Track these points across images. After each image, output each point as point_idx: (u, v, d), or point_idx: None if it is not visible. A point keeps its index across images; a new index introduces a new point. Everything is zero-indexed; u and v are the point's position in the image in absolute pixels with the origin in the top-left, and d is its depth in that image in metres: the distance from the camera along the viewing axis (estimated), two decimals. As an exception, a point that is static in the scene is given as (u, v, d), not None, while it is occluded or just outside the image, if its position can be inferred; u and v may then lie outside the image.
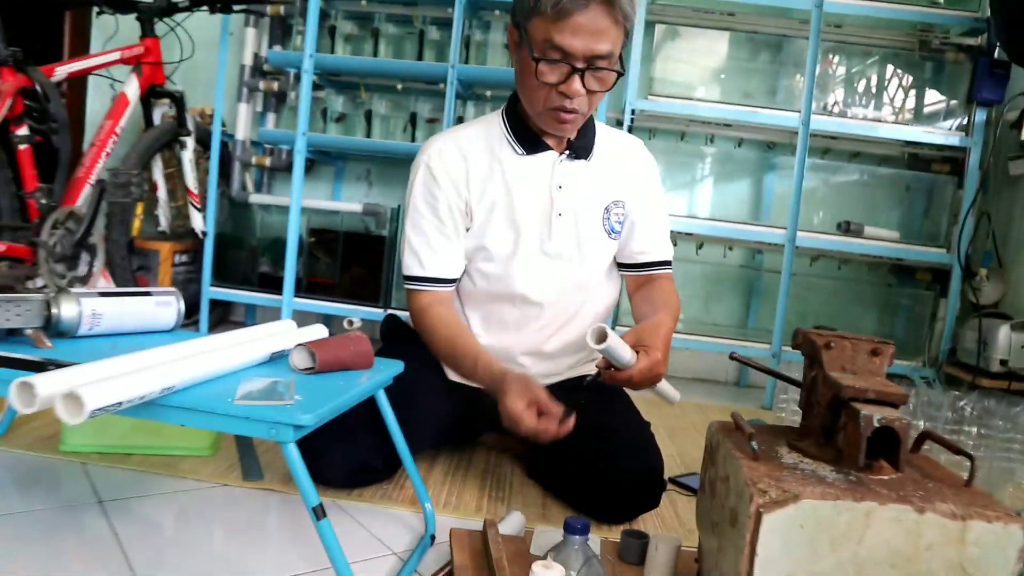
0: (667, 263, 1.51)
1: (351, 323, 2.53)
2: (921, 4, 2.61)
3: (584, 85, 1.27)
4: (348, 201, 2.83)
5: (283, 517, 1.26)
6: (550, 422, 1.21)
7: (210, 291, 2.65)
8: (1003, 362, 2.23)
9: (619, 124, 2.53)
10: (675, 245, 2.73)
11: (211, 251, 2.63)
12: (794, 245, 2.49)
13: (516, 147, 1.42)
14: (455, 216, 1.41)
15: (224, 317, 3.08)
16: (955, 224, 2.54)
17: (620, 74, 1.30)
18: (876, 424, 0.83)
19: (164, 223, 2.63)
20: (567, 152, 1.42)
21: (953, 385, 2.45)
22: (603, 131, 1.49)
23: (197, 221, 2.61)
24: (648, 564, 1.08)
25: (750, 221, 2.81)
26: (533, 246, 1.42)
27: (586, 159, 1.44)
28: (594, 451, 1.32)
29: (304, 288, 2.71)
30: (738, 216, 2.87)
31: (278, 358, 1.11)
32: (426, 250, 1.42)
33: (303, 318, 3.01)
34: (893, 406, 0.88)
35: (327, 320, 3.02)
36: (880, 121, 2.69)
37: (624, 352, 1.20)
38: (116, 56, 2.27)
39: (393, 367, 1.17)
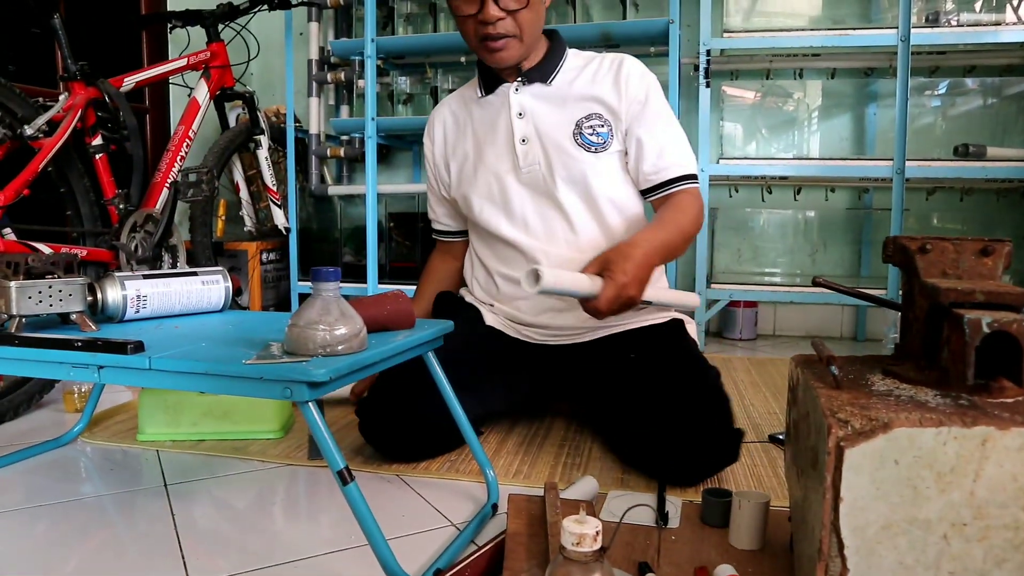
0: (683, 178, 1.38)
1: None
2: None
3: (500, 6, 1.28)
4: (428, 184, 2.78)
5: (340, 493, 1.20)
6: None
7: (298, 286, 2.68)
8: None
9: (695, 68, 2.35)
10: (770, 192, 2.55)
11: (295, 246, 2.66)
12: (903, 177, 2.23)
13: (479, 91, 1.48)
14: (440, 176, 1.55)
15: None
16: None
17: None
18: (986, 329, 0.67)
19: (249, 223, 2.67)
20: (520, 79, 1.42)
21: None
22: (576, 55, 1.46)
23: (279, 218, 2.64)
24: (732, 525, 0.95)
25: (851, 156, 2.55)
26: (508, 178, 1.42)
27: (544, 83, 1.42)
28: (653, 411, 1.20)
29: (388, 274, 2.69)
30: (839, 155, 2.61)
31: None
32: (432, 204, 1.61)
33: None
34: (1013, 309, 0.71)
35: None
36: (999, 25, 2.36)
37: (579, 285, 1.11)
38: (183, 63, 2.30)
39: (440, 326, 1.09)
